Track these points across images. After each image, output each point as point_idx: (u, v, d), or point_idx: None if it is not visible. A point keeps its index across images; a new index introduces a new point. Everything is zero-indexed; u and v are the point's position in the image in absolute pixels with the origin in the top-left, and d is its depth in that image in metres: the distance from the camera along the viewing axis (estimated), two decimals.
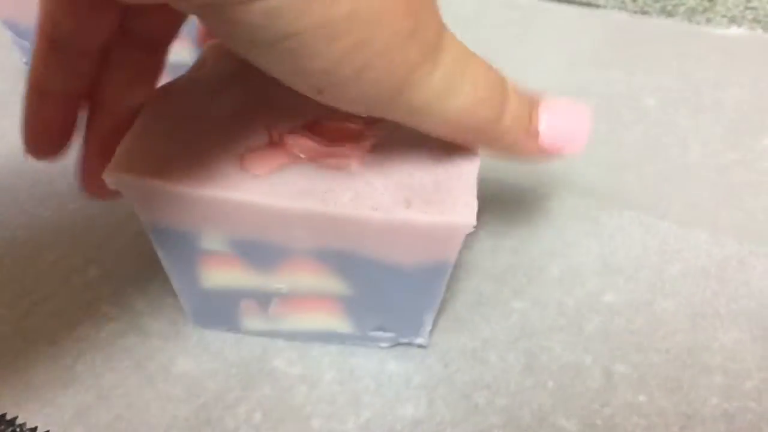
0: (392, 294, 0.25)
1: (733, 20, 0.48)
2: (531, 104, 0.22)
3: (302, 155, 0.23)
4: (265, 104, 0.25)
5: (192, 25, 0.25)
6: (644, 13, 0.49)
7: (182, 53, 0.30)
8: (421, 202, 0.22)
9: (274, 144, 0.23)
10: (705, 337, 0.29)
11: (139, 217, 0.24)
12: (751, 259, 0.32)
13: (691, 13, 0.48)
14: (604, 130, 0.38)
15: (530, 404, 0.27)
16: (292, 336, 0.29)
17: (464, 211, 0.22)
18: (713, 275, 0.31)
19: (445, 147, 0.23)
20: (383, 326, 0.27)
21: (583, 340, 0.29)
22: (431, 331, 0.28)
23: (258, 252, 0.24)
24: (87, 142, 0.24)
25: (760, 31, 0.47)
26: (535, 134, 0.22)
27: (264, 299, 0.27)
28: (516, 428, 0.26)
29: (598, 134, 0.38)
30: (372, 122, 0.24)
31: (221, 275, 0.26)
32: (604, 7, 0.49)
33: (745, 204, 0.35)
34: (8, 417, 0.26)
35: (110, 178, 0.23)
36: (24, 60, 0.35)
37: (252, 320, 0.28)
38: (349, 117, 0.25)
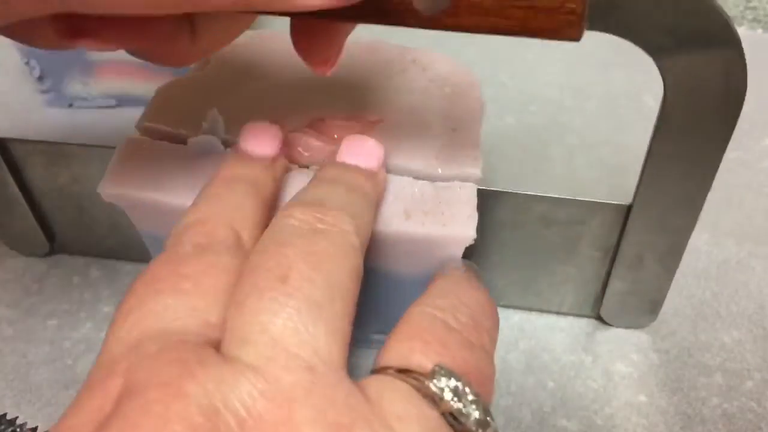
0: (393, 300, 0.25)
1: (733, 20, 0.48)
2: None
3: (306, 153, 0.23)
4: (268, 103, 0.25)
5: None
6: None
7: None
8: (420, 213, 0.22)
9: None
10: (705, 337, 0.29)
11: (136, 227, 0.24)
12: (751, 259, 0.32)
13: None
14: (604, 130, 0.38)
15: (530, 404, 0.27)
16: None
17: (464, 223, 0.22)
18: (713, 276, 0.31)
19: (446, 157, 0.23)
20: (385, 329, 0.27)
21: (582, 340, 0.29)
22: None
23: None
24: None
25: (760, 31, 0.47)
26: None
27: None
28: (516, 428, 0.26)
29: (598, 134, 0.38)
30: (372, 124, 0.24)
31: None
32: None
33: (745, 204, 0.35)
34: (8, 417, 0.26)
35: (105, 193, 0.23)
36: (24, 60, 0.35)
37: None
38: (353, 116, 0.24)
